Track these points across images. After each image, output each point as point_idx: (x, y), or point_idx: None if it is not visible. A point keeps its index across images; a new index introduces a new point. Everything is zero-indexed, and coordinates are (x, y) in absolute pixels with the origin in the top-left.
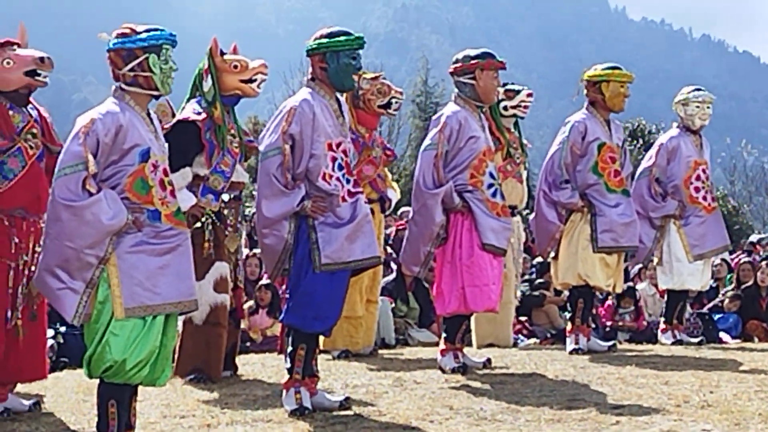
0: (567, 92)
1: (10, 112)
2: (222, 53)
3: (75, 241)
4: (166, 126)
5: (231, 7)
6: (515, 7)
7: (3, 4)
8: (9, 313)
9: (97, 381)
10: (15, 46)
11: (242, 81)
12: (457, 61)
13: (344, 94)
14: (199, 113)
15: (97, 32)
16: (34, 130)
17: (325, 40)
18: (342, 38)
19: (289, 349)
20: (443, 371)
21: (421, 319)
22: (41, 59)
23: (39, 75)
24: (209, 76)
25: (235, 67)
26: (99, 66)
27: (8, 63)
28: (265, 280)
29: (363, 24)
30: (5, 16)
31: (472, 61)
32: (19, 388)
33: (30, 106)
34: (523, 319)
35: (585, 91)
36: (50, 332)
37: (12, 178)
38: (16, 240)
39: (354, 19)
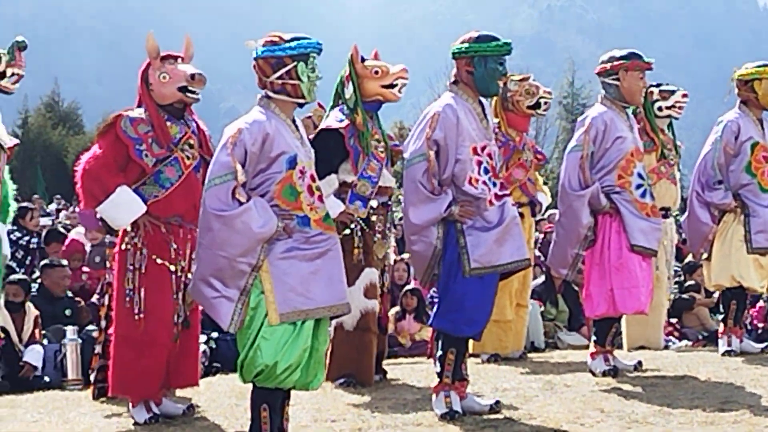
0: (717, 92)
1: (168, 123)
2: (363, 59)
3: (227, 250)
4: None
5: (377, 11)
6: (663, 7)
7: (155, 10)
8: (175, 317)
9: (250, 385)
10: (179, 59)
11: (383, 86)
12: (602, 62)
13: (492, 98)
14: (341, 120)
15: (245, 39)
16: (191, 141)
17: (474, 45)
18: (491, 43)
19: (439, 353)
20: (593, 374)
21: (571, 322)
22: (192, 76)
23: (190, 92)
24: (350, 83)
25: (376, 72)
26: (247, 74)
27: (164, 78)
28: (411, 285)
29: (509, 26)
30: (159, 23)
31: (617, 62)
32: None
33: (189, 118)
34: (673, 321)
35: (736, 90)
36: (203, 338)
37: (169, 187)
38: (175, 246)
39: (500, 21)
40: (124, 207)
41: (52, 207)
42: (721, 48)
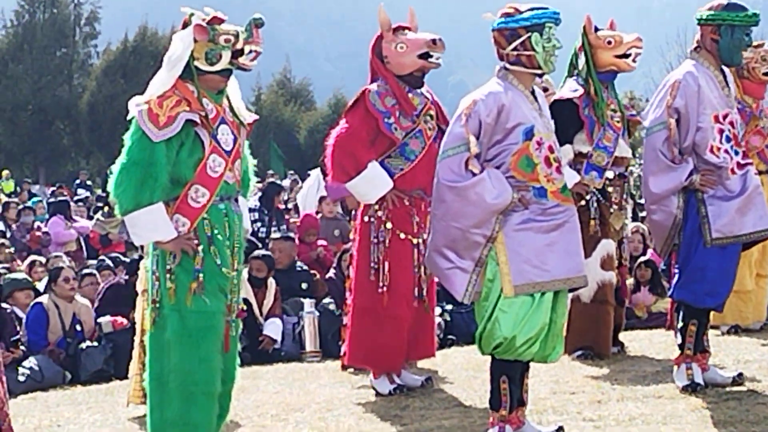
0: None
1: (410, 95)
2: (596, 29)
3: (461, 221)
4: None
5: None
6: None
7: None
8: (416, 291)
9: (488, 358)
10: (406, 31)
11: (617, 56)
12: None
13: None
14: (575, 90)
15: (481, 14)
16: (432, 112)
17: (723, 12)
18: (740, 13)
19: (680, 324)
20: None
21: None
22: (433, 41)
23: (431, 57)
24: (583, 53)
25: (609, 42)
26: (475, 48)
27: (401, 47)
28: (645, 257)
29: None
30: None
31: None
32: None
33: (424, 88)
34: None
35: None
36: (438, 310)
37: (413, 159)
38: (417, 219)
39: None
40: (373, 183)
41: (286, 182)
42: None
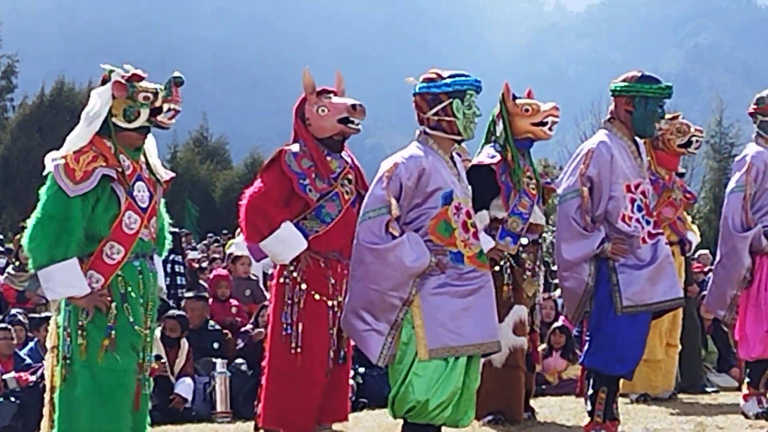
0: None
1: (328, 158)
2: (514, 97)
3: (379, 283)
4: None
5: (523, 52)
6: None
7: (301, 51)
8: (331, 353)
9: (400, 421)
10: (331, 94)
11: (534, 124)
12: (760, 101)
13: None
14: (493, 156)
15: (403, 77)
16: (350, 176)
17: (637, 84)
18: (654, 85)
19: (590, 391)
20: (746, 416)
21: (720, 363)
22: (353, 107)
23: (352, 122)
24: (501, 120)
25: (527, 110)
26: (392, 111)
27: (323, 111)
28: (558, 323)
29: (654, 64)
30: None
31: None
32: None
33: (344, 152)
34: None
35: None
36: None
37: (329, 222)
38: (332, 281)
39: (645, 60)
40: (287, 243)
41: (201, 246)
42: None
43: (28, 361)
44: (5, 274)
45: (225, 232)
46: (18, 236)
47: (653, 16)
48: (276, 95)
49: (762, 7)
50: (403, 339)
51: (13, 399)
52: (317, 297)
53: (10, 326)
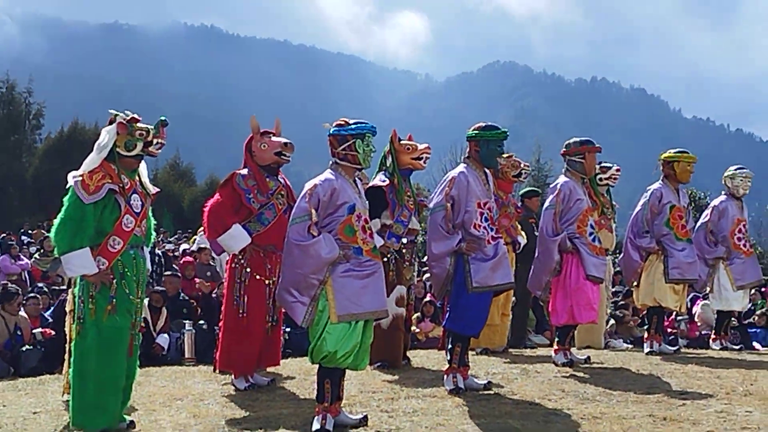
0: (640, 171)
1: (267, 179)
2: (400, 139)
3: (303, 269)
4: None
5: (402, 108)
6: (604, 108)
7: (249, 104)
8: (267, 317)
9: (316, 366)
10: (271, 134)
11: (413, 159)
12: (568, 146)
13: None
14: (384, 181)
15: (320, 124)
16: (283, 192)
17: (481, 132)
18: (493, 131)
19: (449, 346)
20: (556, 365)
21: (537, 327)
22: (285, 144)
23: (284, 155)
24: (390, 155)
25: (408, 149)
26: (310, 147)
27: (263, 146)
28: (427, 298)
29: (494, 120)
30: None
31: (582, 147)
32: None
33: (280, 176)
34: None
35: (661, 168)
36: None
37: (267, 224)
38: (269, 266)
39: (487, 116)
40: (236, 239)
41: (174, 238)
42: (641, 139)
43: (50, 320)
44: (33, 259)
45: (190, 231)
46: (36, 231)
47: (493, 86)
48: (227, 135)
49: (569, 81)
50: (320, 308)
51: (39, 347)
52: (258, 277)
53: (38, 295)
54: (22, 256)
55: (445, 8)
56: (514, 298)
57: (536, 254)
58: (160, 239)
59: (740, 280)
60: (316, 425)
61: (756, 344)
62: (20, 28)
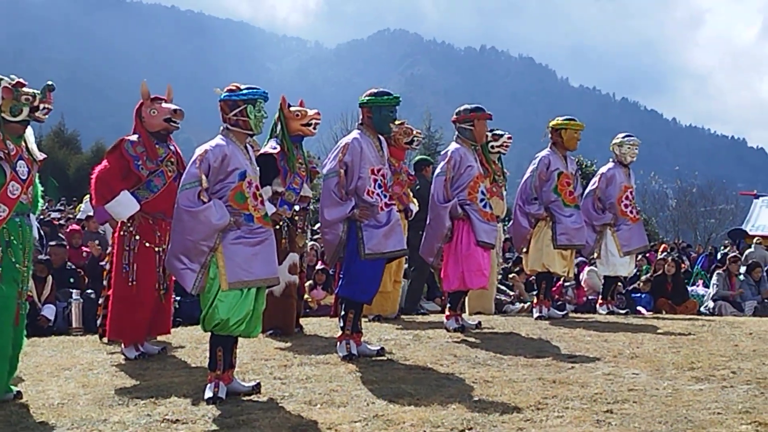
0: (527, 137)
1: (156, 146)
2: (290, 106)
3: (193, 235)
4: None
5: (293, 75)
6: (493, 76)
7: (138, 70)
8: (157, 285)
9: (208, 334)
10: (162, 101)
11: (303, 125)
12: (459, 113)
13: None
14: (275, 148)
15: (210, 91)
16: (172, 160)
17: (373, 98)
18: (384, 97)
19: (342, 313)
20: (448, 330)
21: (429, 294)
22: (174, 111)
23: (174, 122)
24: (280, 122)
25: (297, 115)
26: (200, 113)
27: (153, 112)
28: (320, 266)
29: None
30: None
31: (471, 114)
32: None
33: (169, 143)
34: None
35: (549, 135)
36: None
37: (156, 192)
38: (158, 234)
39: (378, 83)
40: (125, 205)
41: (60, 205)
42: (529, 107)
43: None
44: None
45: (75, 199)
46: None
47: (383, 53)
48: (114, 102)
49: (458, 50)
50: (211, 275)
51: None
52: (147, 245)
53: None
54: None
55: None
56: (406, 265)
57: (428, 221)
58: (45, 207)
59: (627, 246)
60: (208, 393)
61: (641, 309)
62: None
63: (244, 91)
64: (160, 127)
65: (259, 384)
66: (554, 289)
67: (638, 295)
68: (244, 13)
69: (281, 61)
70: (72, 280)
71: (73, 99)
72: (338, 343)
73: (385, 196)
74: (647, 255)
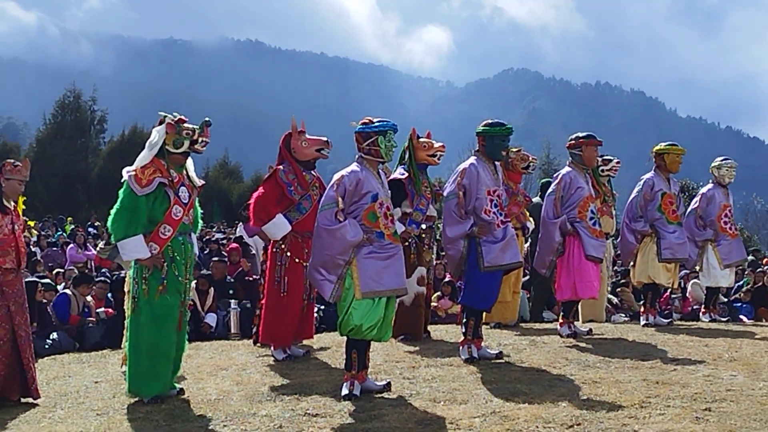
0: (636, 163)
1: (304, 174)
2: (418, 137)
3: (330, 250)
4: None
5: (426, 111)
6: (607, 109)
7: (284, 114)
8: (304, 295)
9: (345, 338)
10: (305, 134)
11: (429, 155)
12: (571, 140)
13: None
14: (403, 174)
15: (350, 125)
16: (317, 185)
17: (488, 128)
18: (497, 128)
19: (464, 320)
20: (561, 336)
21: (547, 304)
22: (326, 142)
23: (323, 151)
24: (408, 151)
25: (425, 146)
26: (345, 146)
27: (305, 143)
28: (447, 278)
29: (508, 120)
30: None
31: (581, 140)
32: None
33: (313, 170)
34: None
35: (653, 159)
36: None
37: (305, 213)
38: (307, 250)
39: (501, 117)
40: (279, 227)
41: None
42: (641, 136)
43: (112, 301)
44: (98, 248)
45: (236, 222)
46: (101, 225)
47: (507, 90)
48: (270, 137)
49: (575, 85)
50: (346, 286)
51: (102, 325)
52: (297, 260)
53: (106, 280)
54: (89, 246)
55: (465, 21)
56: (527, 278)
57: (539, 237)
58: (213, 230)
59: (726, 259)
60: (344, 391)
61: (742, 317)
62: (91, 45)
63: (376, 124)
64: (311, 156)
65: (389, 383)
66: (662, 300)
67: (740, 304)
68: (384, 58)
69: (416, 99)
70: (231, 291)
71: (235, 135)
72: (461, 347)
73: (500, 215)
74: (747, 268)
